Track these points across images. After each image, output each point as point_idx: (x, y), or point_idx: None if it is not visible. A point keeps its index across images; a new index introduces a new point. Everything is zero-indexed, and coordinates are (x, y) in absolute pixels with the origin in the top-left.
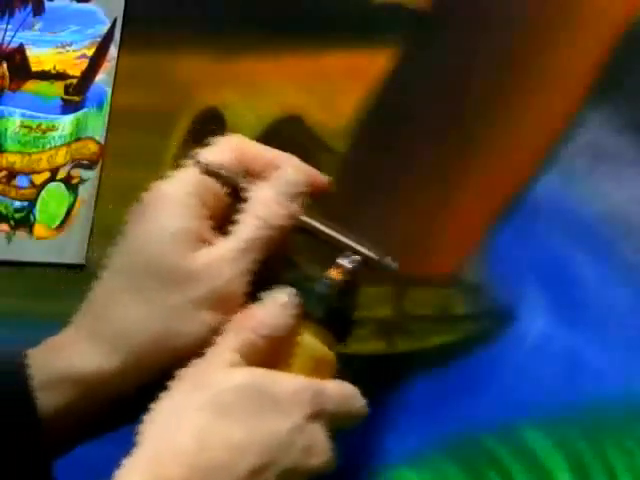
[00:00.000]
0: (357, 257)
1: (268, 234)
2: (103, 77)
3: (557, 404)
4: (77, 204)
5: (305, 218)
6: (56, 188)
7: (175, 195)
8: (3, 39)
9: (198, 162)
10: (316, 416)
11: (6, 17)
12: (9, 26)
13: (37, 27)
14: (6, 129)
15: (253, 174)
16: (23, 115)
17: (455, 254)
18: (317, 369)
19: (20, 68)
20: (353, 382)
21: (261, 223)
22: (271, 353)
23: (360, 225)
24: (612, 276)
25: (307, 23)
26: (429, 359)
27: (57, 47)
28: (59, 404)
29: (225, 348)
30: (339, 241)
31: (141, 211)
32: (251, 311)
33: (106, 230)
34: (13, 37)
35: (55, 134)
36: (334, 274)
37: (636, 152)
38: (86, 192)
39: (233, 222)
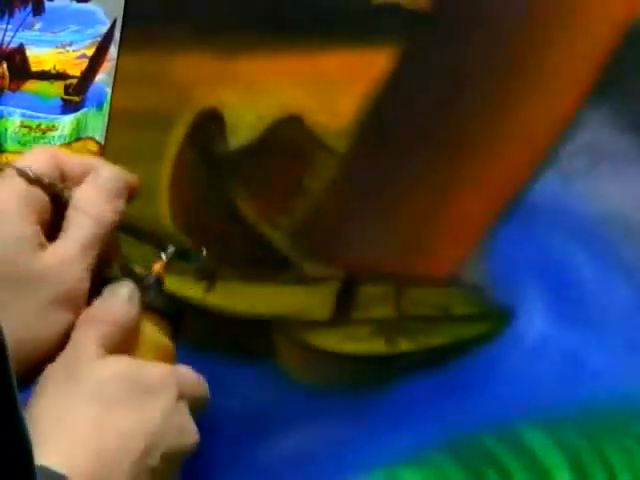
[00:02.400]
0: (172, 250)
1: (101, 231)
2: (103, 77)
3: (556, 404)
4: None
5: (126, 217)
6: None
7: (7, 205)
8: (3, 39)
9: (22, 172)
10: (181, 398)
11: (6, 17)
12: (9, 26)
13: (37, 27)
14: (6, 129)
15: (70, 181)
16: (23, 115)
17: (455, 254)
18: (162, 359)
19: (20, 68)
20: (353, 382)
21: (93, 221)
22: (124, 344)
23: (360, 225)
24: (612, 276)
25: (307, 23)
26: (429, 359)
27: (57, 47)
28: None
29: (88, 341)
30: (154, 236)
31: None
32: (101, 305)
33: None
34: (13, 37)
35: (55, 134)
36: (157, 267)
37: (636, 152)
38: None
39: (60, 225)
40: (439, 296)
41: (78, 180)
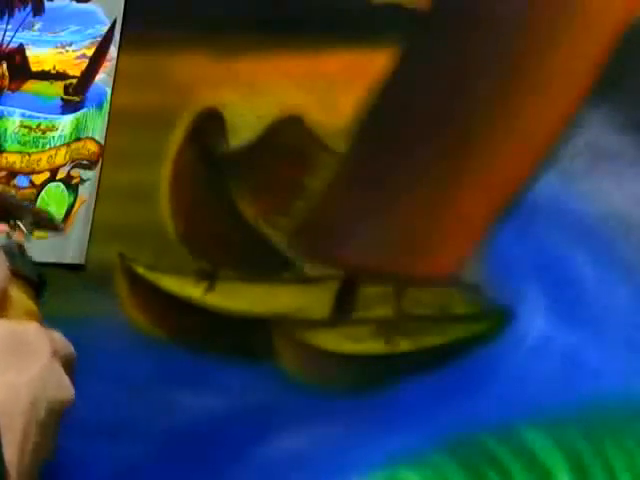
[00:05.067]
0: (29, 219)
1: None
2: (103, 77)
3: (557, 404)
4: (77, 204)
5: None
6: (56, 188)
7: None
8: (3, 39)
9: None
10: (55, 355)
11: (6, 17)
12: (9, 26)
13: (37, 27)
14: (6, 129)
15: None
16: (23, 115)
17: (455, 254)
18: (29, 320)
19: (20, 68)
20: (353, 382)
21: None
22: None
23: (360, 225)
24: (612, 276)
25: (307, 23)
26: (429, 359)
27: (57, 47)
28: None
29: None
30: (18, 205)
31: None
32: None
33: (106, 230)
34: (13, 37)
35: (55, 134)
36: (18, 235)
37: (636, 152)
38: (86, 192)
39: None
40: (439, 296)
41: None
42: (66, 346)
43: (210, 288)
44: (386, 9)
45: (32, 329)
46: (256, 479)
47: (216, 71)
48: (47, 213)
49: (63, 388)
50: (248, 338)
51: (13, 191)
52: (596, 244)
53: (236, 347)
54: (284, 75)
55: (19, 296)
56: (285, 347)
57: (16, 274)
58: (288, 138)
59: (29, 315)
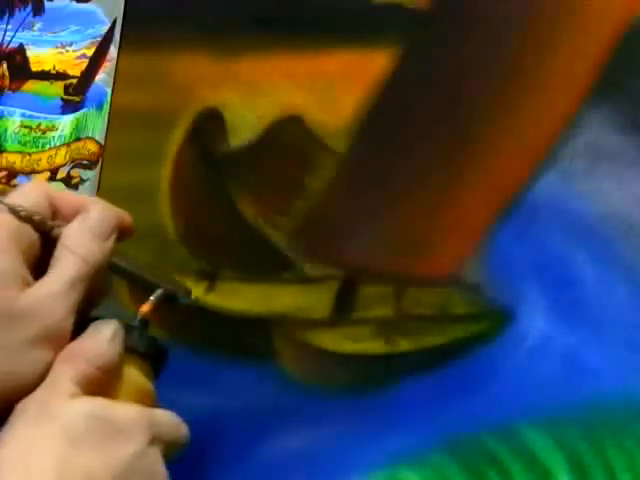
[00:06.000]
0: (160, 292)
1: (87, 270)
2: (103, 77)
3: (557, 404)
4: None
5: (116, 257)
6: (56, 188)
7: None
8: (3, 39)
9: (11, 209)
10: (153, 442)
11: (6, 17)
12: (9, 26)
13: (37, 27)
14: (6, 129)
15: (62, 218)
16: (23, 115)
17: (455, 254)
18: (142, 401)
19: (20, 68)
20: (353, 382)
21: (80, 260)
22: (102, 385)
23: (360, 225)
24: (612, 276)
25: (307, 23)
26: (429, 359)
27: (57, 47)
28: None
29: (63, 379)
30: (143, 278)
31: None
32: (82, 343)
33: None
34: (13, 37)
35: (55, 134)
36: (145, 309)
37: (636, 152)
38: (86, 192)
39: (46, 264)
40: (439, 296)
41: (70, 217)
42: (174, 430)
43: (210, 288)
44: (386, 9)
45: (128, 412)
46: (256, 479)
47: (216, 71)
48: (182, 287)
49: (154, 479)
50: (248, 338)
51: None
52: (596, 244)
53: (236, 347)
54: (284, 75)
55: (132, 374)
56: (285, 347)
57: (132, 350)
58: (288, 138)
59: (140, 395)
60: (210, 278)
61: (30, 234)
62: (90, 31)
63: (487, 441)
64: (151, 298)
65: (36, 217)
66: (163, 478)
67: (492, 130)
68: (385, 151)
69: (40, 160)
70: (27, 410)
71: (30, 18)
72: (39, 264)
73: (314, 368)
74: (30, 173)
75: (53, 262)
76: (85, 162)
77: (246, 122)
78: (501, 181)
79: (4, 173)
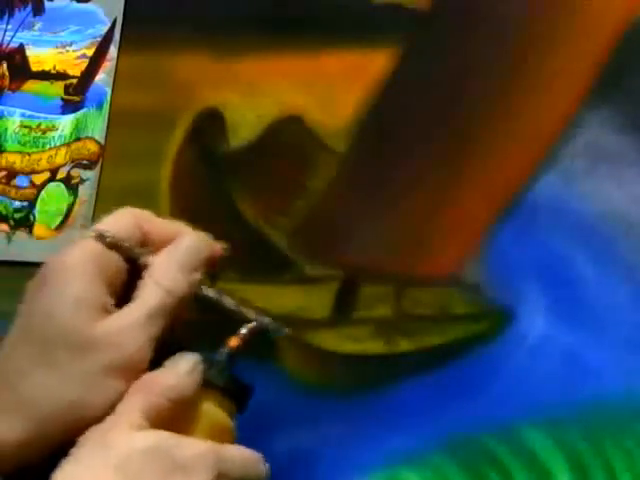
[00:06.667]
0: (251, 325)
1: (171, 302)
2: (103, 77)
3: (557, 404)
4: (77, 204)
5: (205, 288)
6: (56, 188)
7: (75, 265)
8: (3, 39)
9: (99, 235)
10: (219, 479)
11: (6, 17)
12: (9, 26)
13: (37, 27)
14: (6, 129)
15: (152, 245)
16: (23, 115)
17: (455, 254)
18: (217, 437)
19: (20, 68)
20: (353, 382)
21: (164, 291)
22: (174, 418)
23: (360, 225)
24: (612, 276)
25: (307, 23)
26: (429, 359)
27: (57, 47)
28: None
29: (131, 410)
30: (235, 310)
31: (42, 282)
32: (156, 375)
33: None
34: (13, 37)
35: (55, 134)
36: (233, 342)
37: (636, 152)
38: (86, 192)
39: (133, 291)
40: (439, 296)
41: (161, 245)
42: (245, 468)
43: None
44: (386, 9)
45: (194, 447)
46: None
47: (216, 71)
48: (269, 320)
49: None
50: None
51: (13, 191)
52: (596, 244)
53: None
54: (284, 75)
55: (211, 410)
56: (285, 347)
57: (213, 385)
58: (288, 138)
59: (217, 431)
60: (210, 278)
61: (116, 261)
62: (90, 31)
63: (487, 441)
64: (242, 331)
65: (123, 244)
66: None
67: (492, 130)
68: (385, 151)
69: (40, 160)
70: (92, 439)
71: (30, 18)
72: (126, 290)
73: (314, 368)
74: (30, 173)
75: (137, 291)
76: (85, 162)
77: (246, 122)
78: (501, 181)
79: (4, 173)
